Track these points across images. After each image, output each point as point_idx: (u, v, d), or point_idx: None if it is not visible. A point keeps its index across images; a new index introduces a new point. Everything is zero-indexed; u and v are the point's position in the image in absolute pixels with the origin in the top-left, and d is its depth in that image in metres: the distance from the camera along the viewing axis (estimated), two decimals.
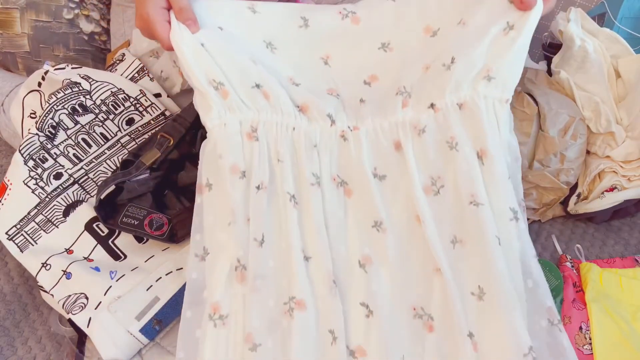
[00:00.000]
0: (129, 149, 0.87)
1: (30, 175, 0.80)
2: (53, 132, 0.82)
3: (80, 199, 0.83)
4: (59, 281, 0.76)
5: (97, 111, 0.85)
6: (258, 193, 0.67)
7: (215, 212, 0.69)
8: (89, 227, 0.81)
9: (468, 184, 0.66)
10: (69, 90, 0.83)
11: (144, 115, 0.89)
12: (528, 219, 0.83)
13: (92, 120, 0.85)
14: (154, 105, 0.89)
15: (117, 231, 0.81)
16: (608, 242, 0.88)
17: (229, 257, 0.67)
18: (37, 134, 0.81)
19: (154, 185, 0.80)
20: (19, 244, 0.79)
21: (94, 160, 0.85)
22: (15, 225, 0.79)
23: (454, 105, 0.68)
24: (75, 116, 0.84)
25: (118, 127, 0.87)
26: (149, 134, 0.88)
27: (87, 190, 0.84)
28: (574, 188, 0.88)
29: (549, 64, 0.93)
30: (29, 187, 0.80)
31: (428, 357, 0.65)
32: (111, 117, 0.87)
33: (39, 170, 0.81)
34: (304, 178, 0.69)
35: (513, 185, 0.67)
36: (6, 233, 0.79)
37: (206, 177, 0.70)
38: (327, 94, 0.73)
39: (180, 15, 0.66)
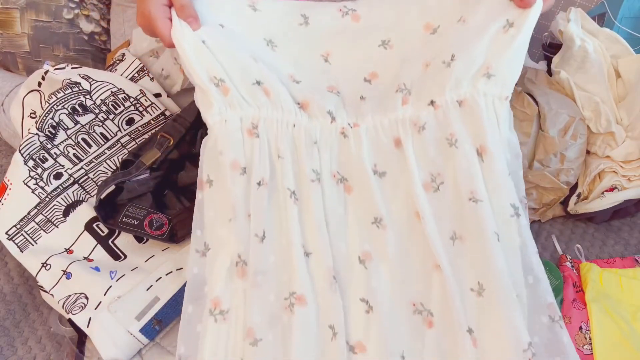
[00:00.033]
0: (129, 149, 0.87)
1: (30, 175, 0.80)
2: (53, 132, 0.82)
3: (80, 199, 0.82)
4: (59, 281, 0.75)
5: (97, 111, 0.85)
6: (259, 189, 0.68)
7: (216, 208, 0.69)
8: (89, 227, 0.81)
9: (468, 180, 0.66)
10: (69, 90, 0.83)
11: (144, 115, 0.89)
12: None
13: (92, 120, 0.85)
14: (154, 105, 0.89)
15: (117, 231, 0.81)
16: (608, 242, 0.88)
17: (230, 253, 0.68)
18: (37, 134, 0.81)
19: (154, 185, 0.80)
20: (19, 244, 0.79)
21: (94, 160, 0.85)
22: (15, 225, 0.79)
23: (454, 102, 0.69)
24: (75, 116, 0.84)
25: (118, 127, 0.87)
26: (149, 134, 0.88)
27: (87, 190, 0.83)
28: (574, 188, 0.88)
29: (549, 64, 0.93)
30: (29, 187, 0.80)
31: (427, 353, 0.65)
32: (111, 117, 0.86)
33: (39, 170, 0.81)
34: (304, 174, 0.70)
35: (514, 181, 0.67)
36: (6, 233, 0.78)
37: (207, 173, 0.70)
38: (328, 91, 0.73)
39: (182, 13, 0.66)
